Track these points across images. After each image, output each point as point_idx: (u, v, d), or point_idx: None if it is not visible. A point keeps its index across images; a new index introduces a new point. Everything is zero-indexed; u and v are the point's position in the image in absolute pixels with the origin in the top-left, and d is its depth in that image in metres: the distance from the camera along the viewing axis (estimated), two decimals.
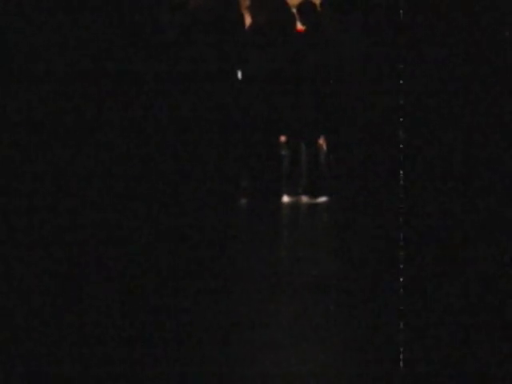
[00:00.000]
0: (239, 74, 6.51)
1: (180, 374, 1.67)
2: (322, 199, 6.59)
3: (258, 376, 1.65)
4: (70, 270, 2.94)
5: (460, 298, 2.36)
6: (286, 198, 6.69)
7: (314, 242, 4.03)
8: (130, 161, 4.61)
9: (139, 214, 4.69)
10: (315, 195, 6.64)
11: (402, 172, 5.77)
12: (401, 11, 5.64)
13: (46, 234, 3.80)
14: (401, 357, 1.75)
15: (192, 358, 1.78)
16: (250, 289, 2.65)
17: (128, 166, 4.63)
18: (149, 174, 5.04)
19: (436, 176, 5.48)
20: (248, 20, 6.74)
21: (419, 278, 2.71)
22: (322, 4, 6.73)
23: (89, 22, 4.18)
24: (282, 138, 6.95)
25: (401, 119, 5.77)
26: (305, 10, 6.72)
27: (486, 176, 5.02)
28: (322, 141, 6.99)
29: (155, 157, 5.13)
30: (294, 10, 6.79)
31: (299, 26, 6.83)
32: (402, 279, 2.70)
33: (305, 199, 6.71)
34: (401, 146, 5.79)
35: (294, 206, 6.41)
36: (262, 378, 1.64)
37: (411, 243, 3.71)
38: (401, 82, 5.78)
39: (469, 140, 5.33)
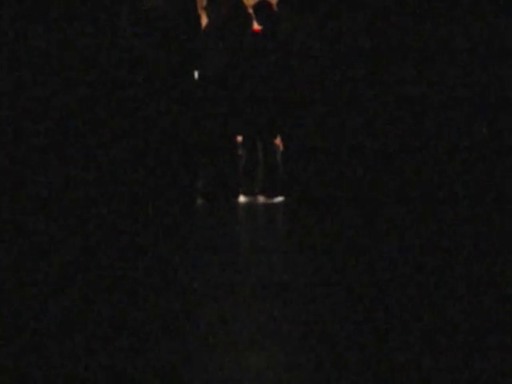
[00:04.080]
0: (196, 74, 6.49)
1: (138, 377, 1.66)
2: (279, 199, 6.61)
3: (213, 378, 1.65)
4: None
5: (416, 302, 2.38)
6: (242, 198, 6.70)
7: (271, 243, 4.04)
8: (85, 165, 4.58)
9: (96, 214, 4.65)
10: (272, 195, 6.65)
11: (360, 170, 5.83)
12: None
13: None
14: (359, 359, 1.77)
15: (149, 360, 1.77)
16: (205, 290, 2.64)
17: (83, 169, 4.60)
18: (106, 173, 5.00)
19: (395, 173, 5.56)
20: (205, 20, 6.73)
21: (378, 278, 2.73)
22: (278, 4, 6.75)
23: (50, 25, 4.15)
24: (239, 138, 6.95)
25: (360, 117, 5.83)
26: (261, 9, 6.72)
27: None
28: (278, 141, 7.01)
29: (113, 158, 5.09)
30: (251, 10, 6.80)
31: (256, 26, 6.84)
32: (360, 280, 2.72)
33: (261, 199, 6.72)
34: (359, 144, 5.85)
35: (251, 206, 6.41)
36: (218, 380, 1.64)
37: (369, 242, 3.74)
38: (361, 80, 5.84)
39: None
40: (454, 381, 1.57)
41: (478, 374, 1.61)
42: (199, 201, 6.52)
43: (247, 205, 6.50)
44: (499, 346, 1.80)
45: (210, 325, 2.08)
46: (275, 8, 6.78)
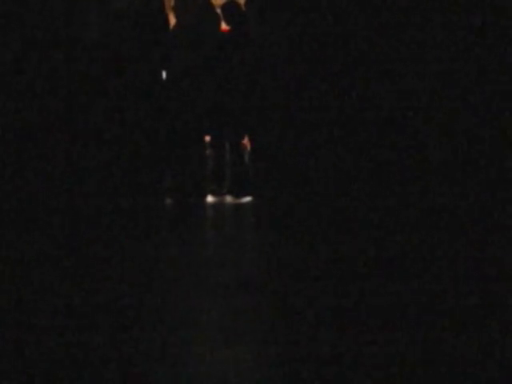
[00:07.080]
0: (163, 74, 6.48)
1: (103, 373, 1.66)
2: (247, 199, 6.62)
3: (179, 375, 1.66)
4: None
5: (388, 294, 2.41)
6: (210, 198, 6.70)
7: (239, 242, 4.05)
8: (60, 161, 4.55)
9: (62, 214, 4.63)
10: (240, 195, 6.66)
11: (327, 170, 5.85)
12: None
13: None
14: (326, 356, 1.79)
15: (115, 356, 1.77)
16: (173, 288, 2.64)
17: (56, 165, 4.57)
18: (73, 170, 4.98)
19: (362, 172, 5.59)
20: (173, 20, 6.71)
21: (346, 276, 2.75)
22: (246, 4, 6.75)
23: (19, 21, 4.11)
24: (207, 138, 6.94)
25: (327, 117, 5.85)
26: (229, 9, 6.72)
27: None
28: (246, 141, 7.01)
29: (79, 155, 5.07)
30: (219, 10, 6.79)
31: (224, 26, 6.83)
32: (328, 278, 2.74)
33: (229, 199, 6.72)
34: (325, 143, 5.88)
35: (219, 206, 6.41)
36: (184, 377, 1.65)
37: (340, 238, 3.77)
38: (328, 80, 5.86)
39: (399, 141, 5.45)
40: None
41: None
42: (167, 200, 6.51)
43: (215, 205, 6.50)
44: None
45: (181, 321, 2.08)
46: (243, 8, 6.78)
